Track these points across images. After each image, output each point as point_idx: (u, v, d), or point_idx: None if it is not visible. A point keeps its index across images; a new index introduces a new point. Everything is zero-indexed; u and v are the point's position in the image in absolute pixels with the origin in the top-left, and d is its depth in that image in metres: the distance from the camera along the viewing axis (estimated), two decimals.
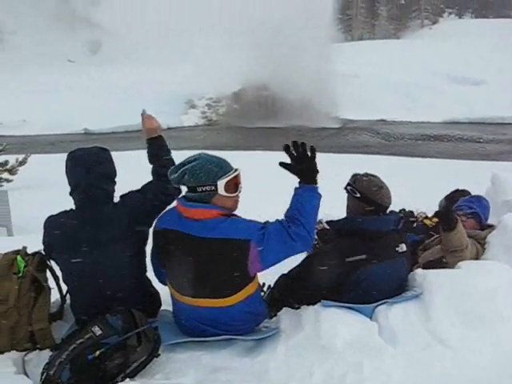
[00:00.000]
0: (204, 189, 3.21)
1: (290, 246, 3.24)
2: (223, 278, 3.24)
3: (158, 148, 3.77)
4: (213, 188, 3.22)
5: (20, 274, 3.45)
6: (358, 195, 3.61)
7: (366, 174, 3.71)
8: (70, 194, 3.44)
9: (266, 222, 3.31)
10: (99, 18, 34.37)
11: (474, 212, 4.72)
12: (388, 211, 3.67)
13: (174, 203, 3.40)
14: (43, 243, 3.47)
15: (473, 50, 37.89)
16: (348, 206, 3.74)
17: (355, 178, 3.69)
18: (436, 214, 4.11)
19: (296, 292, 3.67)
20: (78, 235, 3.33)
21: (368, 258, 3.47)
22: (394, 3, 66.23)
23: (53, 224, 3.42)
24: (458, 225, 3.86)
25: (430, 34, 54.29)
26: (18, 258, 3.51)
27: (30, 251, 3.61)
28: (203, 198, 3.24)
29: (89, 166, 3.37)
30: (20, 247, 3.67)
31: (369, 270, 3.47)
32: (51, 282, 3.65)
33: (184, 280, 3.28)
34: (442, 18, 65.71)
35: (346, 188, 3.71)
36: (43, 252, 3.54)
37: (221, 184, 3.22)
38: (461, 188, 5.60)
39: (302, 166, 3.30)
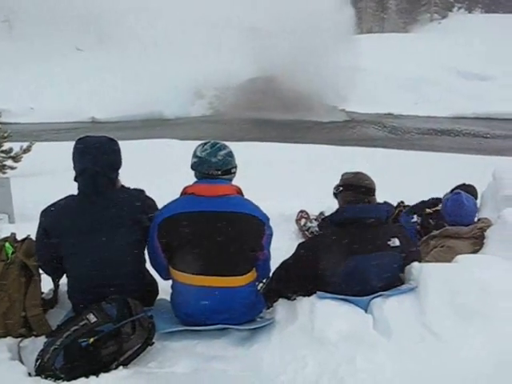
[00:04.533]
0: (234, 170, 3.54)
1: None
2: (243, 253, 3.42)
3: None
4: (236, 170, 3.55)
5: (8, 261, 3.46)
6: (341, 188, 3.76)
7: (345, 173, 3.88)
8: (75, 179, 3.46)
9: None
10: (107, 6, 34.33)
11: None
12: (383, 202, 3.71)
13: (191, 188, 3.47)
14: (42, 229, 3.42)
15: (481, 46, 37.64)
16: (339, 205, 3.83)
17: (337, 183, 3.86)
18: None
19: (288, 281, 3.76)
20: (81, 219, 3.35)
21: (355, 247, 3.49)
22: None
23: (55, 209, 3.41)
24: None
25: (439, 29, 53.86)
26: (6, 244, 3.53)
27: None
28: (231, 178, 3.54)
29: (97, 154, 3.41)
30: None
31: (355, 261, 3.48)
32: None
33: (206, 258, 3.34)
34: (452, 12, 65.15)
35: (333, 194, 3.86)
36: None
37: None
38: (467, 183, 5.60)
39: None
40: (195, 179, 3.54)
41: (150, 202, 3.60)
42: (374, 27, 63.74)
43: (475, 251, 4.36)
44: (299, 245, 3.86)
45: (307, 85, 30.01)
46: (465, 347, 3.15)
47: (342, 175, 3.84)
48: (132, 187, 3.64)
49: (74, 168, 3.46)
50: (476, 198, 5.20)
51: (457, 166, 12.64)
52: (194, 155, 3.50)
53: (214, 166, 3.44)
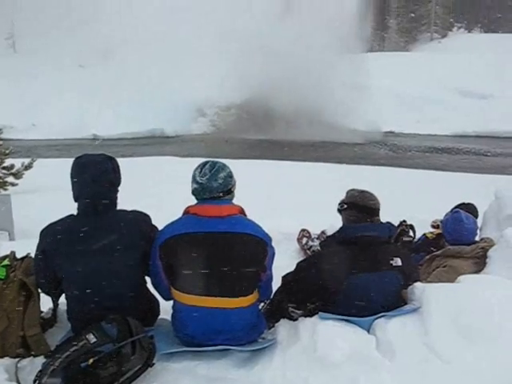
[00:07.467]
0: (234, 188, 3.50)
1: None
2: (246, 274, 3.36)
3: None
4: (235, 187, 3.53)
5: (3, 279, 3.43)
6: (345, 206, 3.75)
7: (351, 189, 3.86)
8: (75, 200, 3.42)
9: None
10: (110, 24, 34.54)
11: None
12: (385, 222, 3.70)
13: (193, 208, 3.43)
14: (41, 250, 3.37)
15: (481, 64, 37.71)
16: (342, 222, 3.82)
17: (342, 198, 3.85)
18: None
19: (289, 295, 3.79)
20: (80, 241, 3.29)
21: (357, 265, 3.47)
22: (403, 16, 66.21)
23: (53, 230, 3.36)
24: None
25: (438, 48, 54.11)
26: (3, 263, 3.49)
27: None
28: (232, 198, 3.51)
29: (95, 175, 3.34)
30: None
31: (358, 279, 3.47)
32: None
33: (208, 279, 3.30)
34: (452, 31, 65.56)
35: (338, 210, 3.84)
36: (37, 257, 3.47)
37: None
38: (466, 202, 5.58)
39: None
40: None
41: (152, 227, 3.53)
42: (374, 46, 64.01)
43: (477, 271, 4.33)
44: (298, 263, 3.85)
45: (309, 104, 30.06)
46: (468, 368, 3.12)
47: (348, 192, 3.83)
48: (135, 208, 3.57)
49: (73, 188, 3.40)
50: (476, 217, 5.17)
51: (458, 184, 12.65)
52: (194, 180, 3.43)
53: (215, 191, 3.39)
